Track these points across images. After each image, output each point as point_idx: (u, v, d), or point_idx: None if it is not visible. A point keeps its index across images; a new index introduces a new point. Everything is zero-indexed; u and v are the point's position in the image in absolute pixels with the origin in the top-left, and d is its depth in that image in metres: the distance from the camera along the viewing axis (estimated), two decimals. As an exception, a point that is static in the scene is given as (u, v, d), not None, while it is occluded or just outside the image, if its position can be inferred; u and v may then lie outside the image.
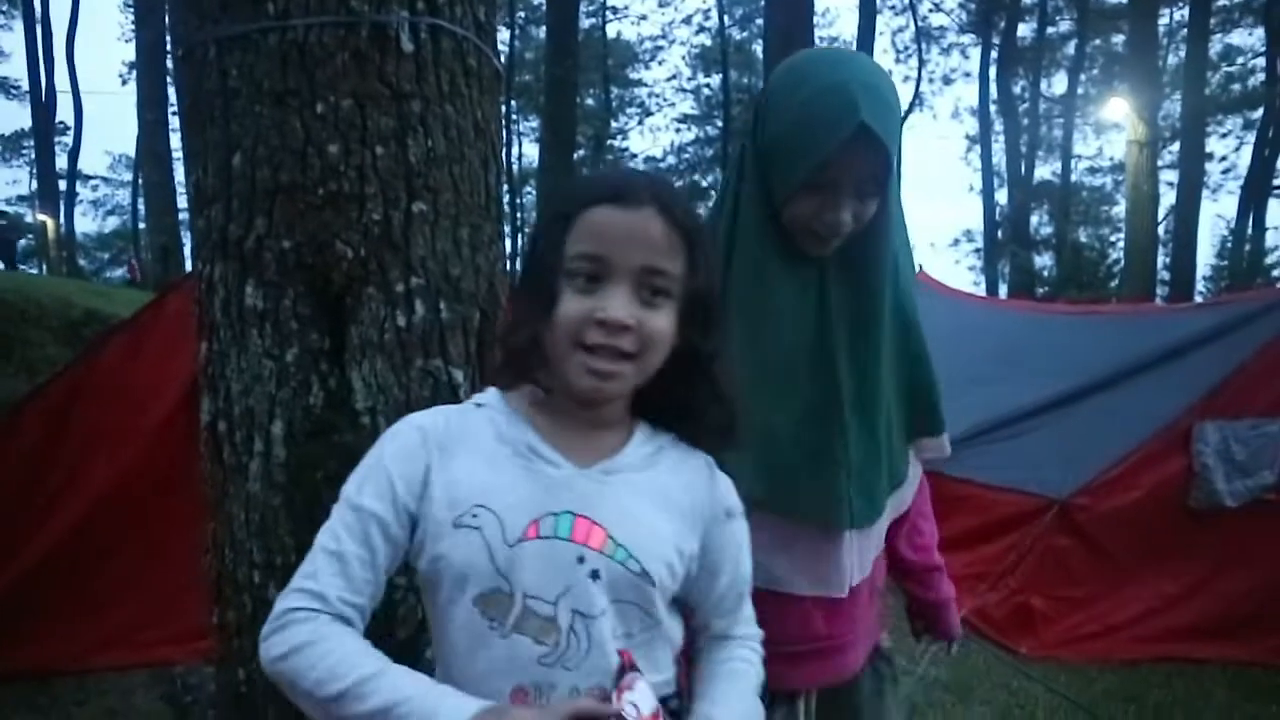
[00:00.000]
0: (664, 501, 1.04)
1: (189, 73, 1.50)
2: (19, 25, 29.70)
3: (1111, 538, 4.13)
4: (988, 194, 29.98)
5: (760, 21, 24.25)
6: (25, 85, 30.26)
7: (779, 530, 1.29)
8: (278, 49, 1.39)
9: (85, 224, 37.94)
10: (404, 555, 1.01)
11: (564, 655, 0.96)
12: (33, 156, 32.70)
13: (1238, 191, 26.62)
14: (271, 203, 1.41)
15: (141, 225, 29.38)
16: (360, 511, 0.98)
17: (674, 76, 37.04)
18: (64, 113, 31.63)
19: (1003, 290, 27.16)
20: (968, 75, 32.43)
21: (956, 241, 36.55)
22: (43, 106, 29.44)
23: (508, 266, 1.77)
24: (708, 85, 36.03)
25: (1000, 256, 29.01)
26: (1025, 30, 29.47)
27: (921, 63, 30.71)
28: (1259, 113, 25.41)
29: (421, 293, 1.45)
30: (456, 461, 1.00)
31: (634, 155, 36.78)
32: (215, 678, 1.61)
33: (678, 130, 36.93)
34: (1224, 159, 28.97)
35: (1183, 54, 21.13)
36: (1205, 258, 22.14)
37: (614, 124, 35.24)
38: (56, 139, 31.63)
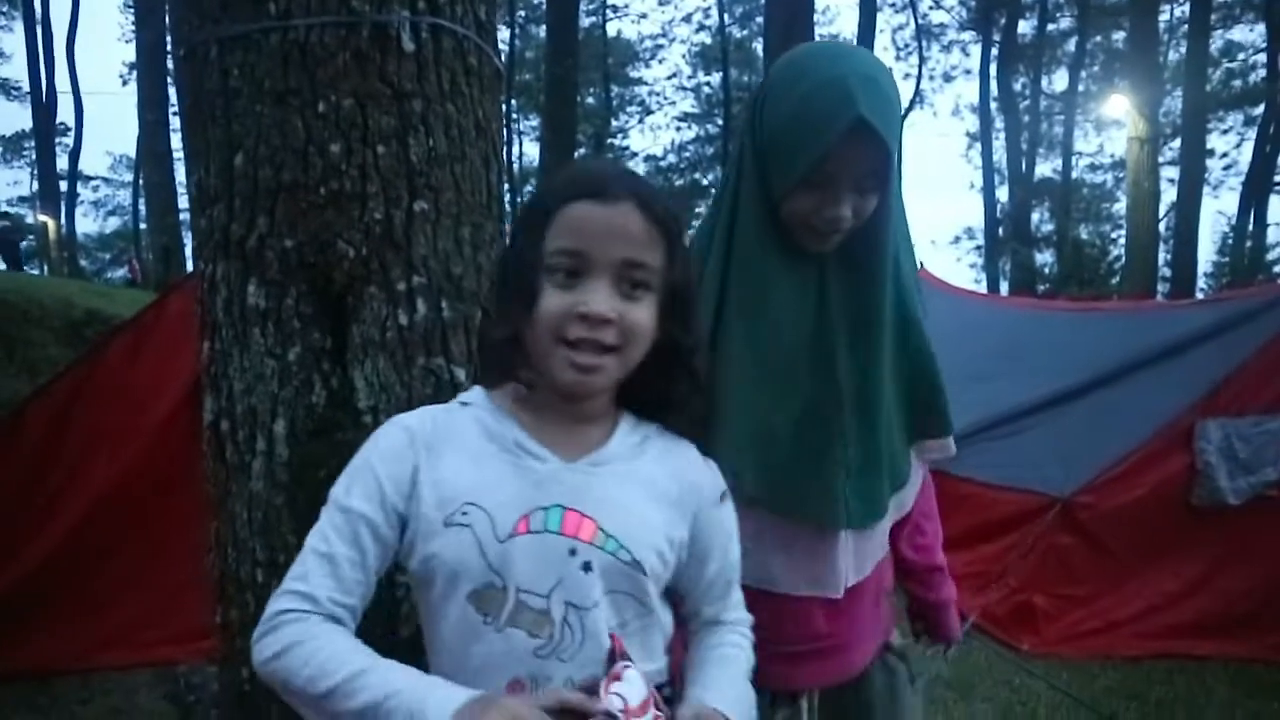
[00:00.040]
0: (652, 490, 1.05)
1: (190, 72, 1.50)
2: (19, 26, 29.75)
3: (1113, 536, 4.14)
4: (989, 191, 29.97)
5: (760, 19, 24.25)
6: (26, 86, 30.32)
7: (775, 529, 1.29)
8: (279, 49, 1.39)
9: (86, 225, 38.03)
10: (394, 555, 1.01)
11: (559, 647, 0.97)
12: (33, 157, 32.73)
13: (1239, 188, 26.64)
14: (273, 202, 1.41)
15: (142, 226, 29.40)
16: (349, 513, 0.99)
17: (674, 75, 37.02)
18: (64, 113, 31.70)
19: (1004, 287, 27.18)
20: (968, 72, 32.42)
21: (957, 239, 36.59)
22: (43, 107, 29.46)
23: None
24: (708, 83, 36.04)
25: (1001, 254, 29.02)
26: (1026, 27, 29.47)
27: (922, 60, 30.67)
28: (1260, 109, 25.44)
29: (423, 291, 1.45)
30: (444, 461, 1.01)
31: (634, 154, 36.77)
32: (218, 676, 1.61)
33: (678, 129, 36.94)
34: (1225, 155, 29.00)
35: (1183, 50, 21.10)
36: (1206, 254, 22.22)
37: (614, 122, 35.23)
38: (57, 140, 31.67)
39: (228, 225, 1.45)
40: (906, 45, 31.21)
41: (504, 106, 1.80)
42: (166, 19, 18.24)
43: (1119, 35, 26.83)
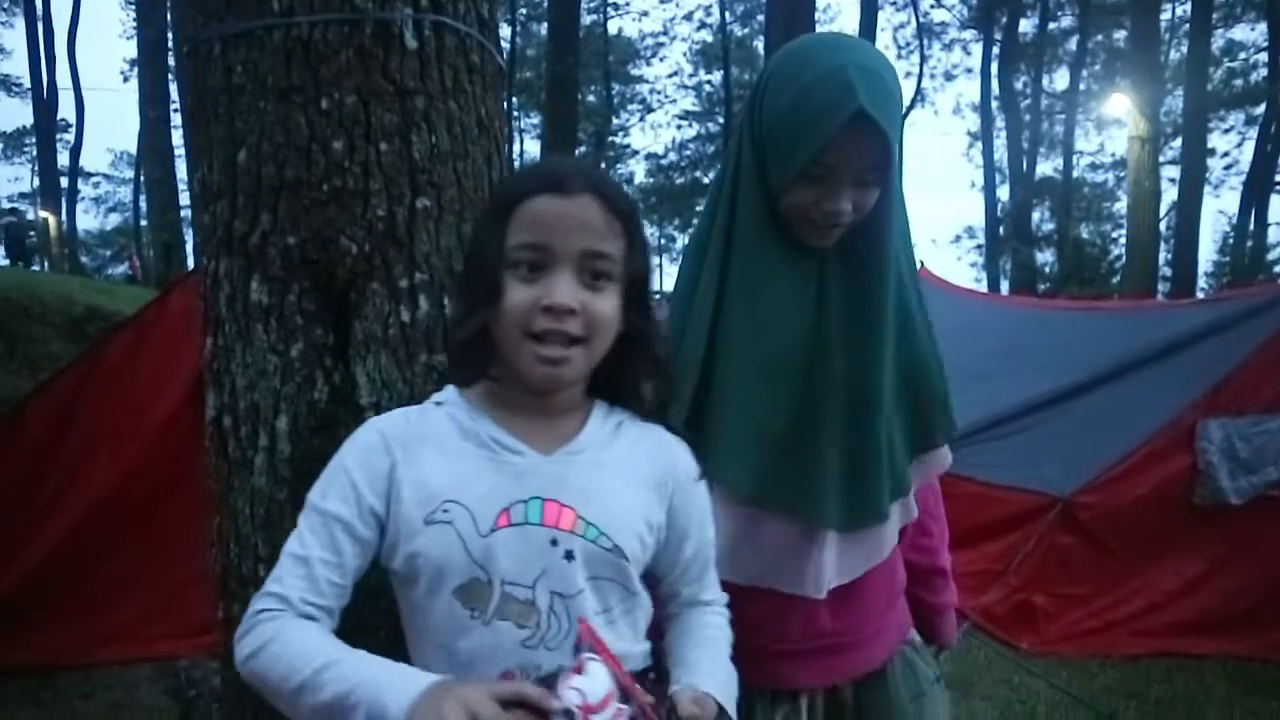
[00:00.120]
0: (629, 475, 1.07)
1: (194, 69, 1.50)
2: (20, 22, 29.75)
3: (1114, 535, 4.14)
4: (989, 190, 29.97)
5: (761, 17, 24.24)
6: (27, 82, 30.30)
7: (765, 526, 1.27)
8: (282, 46, 1.40)
9: (87, 221, 38.05)
10: (373, 556, 1.02)
11: (546, 636, 0.98)
12: (34, 154, 32.75)
13: (1240, 187, 26.65)
14: (276, 199, 1.41)
15: (143, 222, 29.40)
16: (325, 515, 1.00)
17: (675, 73, 37.12)
18: (65, 110, 31.68)
19: (1004, 286, 27.18)
20: (969, 71, 32.45)
21: (958, 238, 36.64)
22: (44, 104, 29.46)
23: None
24: (709, 82, 36.08)
25: (1002, 253, 29.01)
26: (1027, 26, 29.45)
27: (923, 58, 30.68)
28: (1261, 108, 25.42)
29: (425, 288, 1.45)
30: (422, 460, 1.02)
31: (635, 152, 36.83)
32: (220, 671, 1.62)
33: (679, 127, 37.01)
34: (1226, 155, 29.04)
35: (1185, 49, 21.10)
36: (1207, 254, 22.23)
37: (615, 120, 35.25)
38: (58, 136, 31.67)
39: (230, 222, 1.45)
40: (908, 44, 31.25)
41: (505, 104, 1.81)
42: (168, 15, 18.28)
43: (1120, 34, 26.82)
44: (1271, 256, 21.60)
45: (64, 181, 32.90)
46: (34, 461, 3.45)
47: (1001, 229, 29.65)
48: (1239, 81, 27.89)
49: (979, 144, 31.55)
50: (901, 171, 1.27)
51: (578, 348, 1.01)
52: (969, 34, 31.61)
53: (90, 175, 37.84)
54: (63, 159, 32.98)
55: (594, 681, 0.90)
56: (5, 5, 30.56)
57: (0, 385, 5.50)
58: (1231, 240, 24.36)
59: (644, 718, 0.92)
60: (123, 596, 3.46)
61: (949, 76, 33.54)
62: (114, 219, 38.94)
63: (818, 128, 1.13)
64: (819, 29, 17.22)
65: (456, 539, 0.97)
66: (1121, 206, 26.13)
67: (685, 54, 36.70)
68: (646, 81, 37.02)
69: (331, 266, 1.43)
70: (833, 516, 1.26)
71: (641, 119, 36.99)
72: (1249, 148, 26.79)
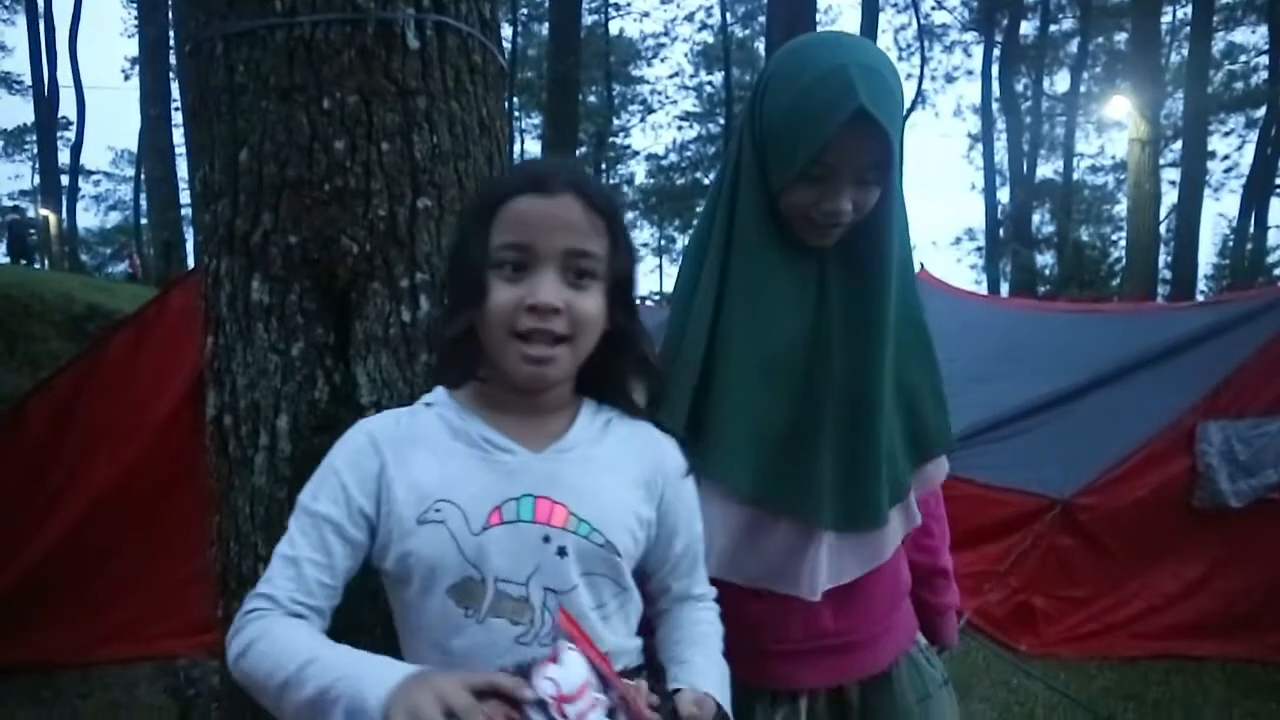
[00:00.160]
0: (620, 472, 1.08)
1: (196, 68, 1.50)
2: (22, 20, 29.74)
3: (1114, 537, 4.15)
4: (990, 192, 29.98)
5: (763, 19, 24.24)
6: (28, 80, 30.31)
7: (762, 526, 1.27)
8: (284, 45, 1.40)
9: (87, 219, 38.06)
10: (364, 556, 1.02)
11: (540, 633, 0.98)
12: (35, 151, 32.76)
13: (1240, 190, 26.65)
14: (278, 198, 1.42)
15: (143, 220, 29.40)
16: (315, 516, 1.00)
17: (676, 74, 37.14)
18: (66, 108, 31.69)
19: (1004, 289, 27.18)
20: (970, 73, 32.49)
21: (958, 240, 36.66)
22: (45, 101, 29.47)
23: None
24: (710, 82, 36.10)
25: (1002, 255, 29.01)
26: (1028, 28, 29.48)
27: (924, 60, 30.65)
28: (1262, 111, 25.43)
29: (426, 288, 1.46)
30: (413, 461, 1.02)
31: (636, 152, 36.84)
32: (219, 670, 1.62)
33: (680, 128, 37.03)
34: (1226, 157, 29.05)
35: (1185, 52, 21.14)
36: (1207, 256, 22.20)
37: (616, 121, 35.26)
38: (59, 134, 31.67)
39: (232, 221, 1.45)
40: (909, 45, 31.24)
41: (506, 104, 1.81)
42: (170, 14, 18.28)
43: (1121, 37, 26.85)
44: (1271, 259, 21.62)
45: (64, 179, 32.89)
46: (34, 460, 3.45)
47: (1002, 231, 29.66)
48: (1239, 84, 27.91)
49: (979, 146, 31.58)
50: (902, 171, 1.26)
51: (563, 346, 1.01)
52: (970, 36, 31.63)
53: (91, 173, 37.89)
54: (63, 157, 33.02)
55: (569, 671, 0.88)
56: (7, 3, 30.56)
57: (0, 383, 5.50)
58: (1231, 243, 24.36)
59: (623, 706, 0.90)
60: (122, 595, 3.46)
61: (950, 78, 33.60)
62: (114, 217, 39.01)
63: (818, 127, 1.12)
64: (820, 30, 17.23)
65: (449, 538, 0.98)
66: (1122, 209, 26.16)
67: (686, 55, 36.75)
68: (647, 82, 37.07)
69: (333, 266, 1.43)
70: (829, 516, 1.25)
71: (642, 120, 37.04)
72: (1249, 151, 26.84)
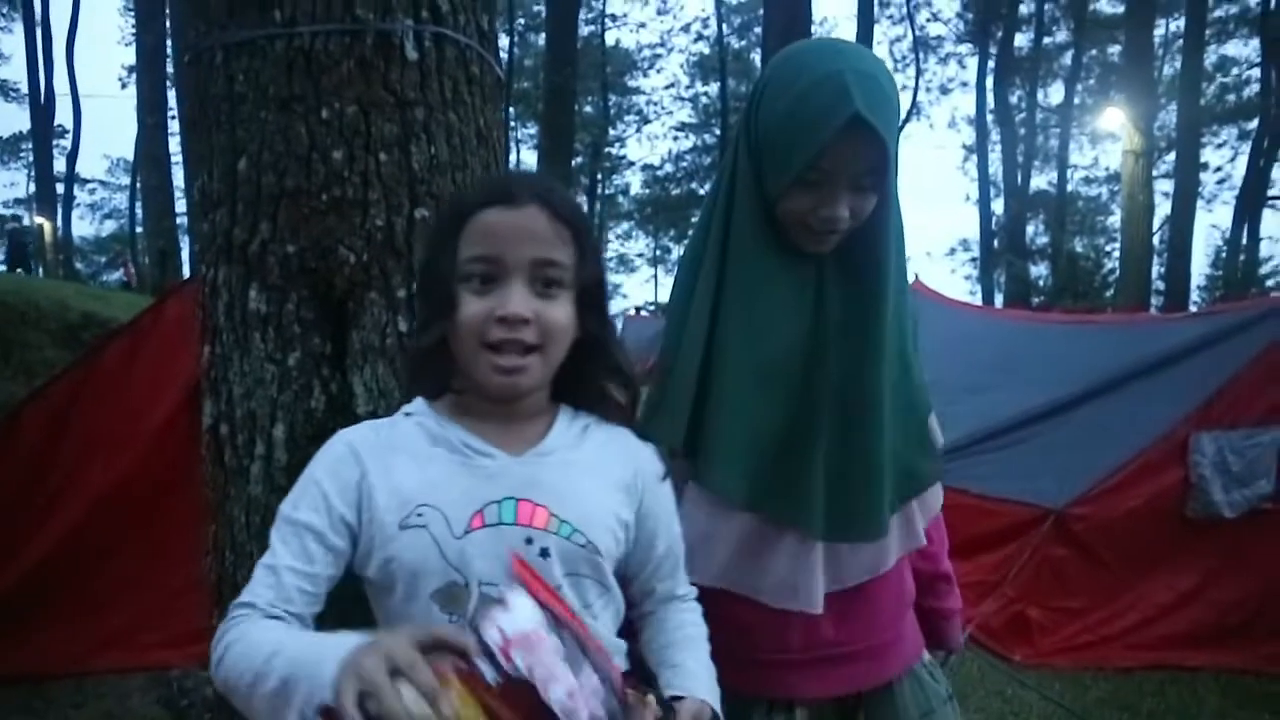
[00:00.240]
0: (600, 475, 1.09)
1: (195, 78, 1.51)
2: (19, 28, 29.74)
3: (1108, 548, 4.15)
4: (984, 203, 30.03)
5: (759, 30, 24.34)
6: (24, 88, 30.31)
7: (761, 536, 1.26)
8: (284, 55, 1.41)
9: (82, 227, 37.97)
10: (346, 563, 1.03)
11: None
12: (31, 159, 32.72)
13: (1232, 202, 26.71)
14: (276, 207, 1.42)
15: (139, 229, 29.36)
16: (295, 525, 1.01)
17: (672, 84, 37.21)
18: (63, 116, 31.66)
19: (999, 299, 27.16)
20: (965, 85, 32.56)
21: (953, 250, 36.62)
22: (42, 109, 29.44)
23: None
24: (706, 93, 36.19)
25: (996, 266, 29.03)
26: (1022, 40, 29.60)
27: (919, 72, 30.82)
28: (1254, 123, 25.56)
29: (423, 298, 1.46)
30: (394, 468, 1.03)
31: (632, 163, 36.90)
32: (212, 681, 1.61)
33: (675, 138, 37.11)
34: (1219, 169, 29.22)
35: (1178, 64, 21.26)
36: (1200, 267, 22.32)
37: (612, 131, 35.33)
38: (55, 142, 31.63)
39: (230, 230, 1.46)
40: (904, 57, 31.34)
41: (503, 114, 1.82)
42: (168, 23, 18.29)
43: (1114, 49, 26.97)
44: (1264, 270, 21.69)
45: (60, 187, 32.84)
46: (28, 468, 3.44)
47: (996, 242, 29.68)
48: (1231, 97, 28.08)
49: (974, 157, 31.62)
50: (898, 176, 1.26)
51: (534, 356, 1.03)
52: (964, 48, 31.76)
53: (86, 181, 37.80)
54: (59, 165, 32.95)
55: (516, 615, 0.85)
56: (4, 10, 30.57)
57: (-6, 391, 5.48)
58: (1224, 254, 24.43)
59: (579, 646, 0.88)
60: (116, 605, 3.44)
61: (944, 90, 33.69)
62: (109, 225, 38.89)
63: (814, 133, 1.12)
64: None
65: (431, 542, 0.98)
66: (1115, 220, 26.26)
67: (682, 66, 36.83)
68: (643, 93, 37.13)
69: (330, 276, 1.44)
70: (822, 525, 1.24)
71: (638, 130, 37.12)
72: (1241, 162, 26.98)
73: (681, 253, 1.47)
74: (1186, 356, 4.32)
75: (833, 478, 1.24)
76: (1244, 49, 26.97)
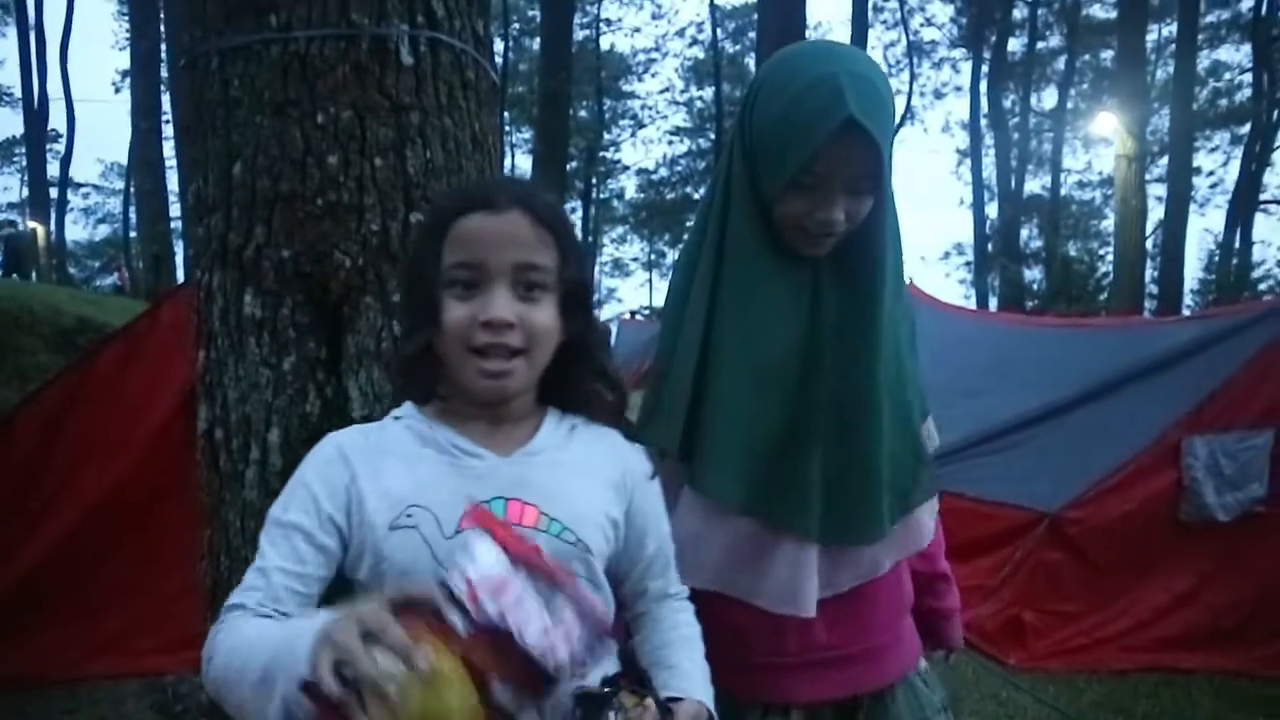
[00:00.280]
0: (588, 473, 1.10)
1: (191, 83, 1.51)
2: (12, 32, 29.66)
3: (1102, 551, 4.15)
4: (978, 207, 30.15)
5: (753, 35, 24.40)
6: (18, 92, 30.24)
7: (758, 540, 1.25)
8: (279, 60, 1.41)
9: (76, 232, 37.88)
10: (337, 565, 1.02)
11: None
12: (24, 163, 32.65)
13: (1225, 206, 26.86)
14: (271, 212, 1.43)
15: (133, 234, 29.31)
16: (285, 526, 1.01)
17: (667, 89, 37.30)
18: (56, 120, 31.62)
19: (993, 303, 27.26)
20: (959, 89, 32.74)
21: (947, 254, 36.74)
22: (35, 114, 29.40)
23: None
24: (700, 98, 36.26)
25: (990, 269, 29.13)
26: (1016, 45, 29.74)
27: (913, 77, 30.95)
28: (1246, 128, 25.69)
29: (418, 303, 1.46)
30: (383, 471, 1.03)
31: (626, 167, 36.97)
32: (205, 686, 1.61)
33: (670, 143, 37.19)
34: (1211, 174, 29.27)
35: (1171, 69, 21.34)
36: (1193, 271, 22.38)
37: (606, 136, 35.37)
38: (48, 146, 31.57)
39: (225, 234, 1.46)
40: (898, 62, 31.45)
41: (498, 119, 1.82)
42: (162, 28, 18.28)
43: (1107, 54, 27.10)
44: (1256, 274, 21.79)
45: (53, 192, 32.77)
46: (22, 473, 3.42)
47: (990, 246, 29.78)
48: (1224, 101, 28.20)
49: (968, 161, 31.77)
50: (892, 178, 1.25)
51: (519, 359, 1.03)
52: (958, 53, 31.89)
53: (80, 186, 37.72)
54: (52, 169, 32.90)
55: (480, 561, 0.83)
56: (-2, 15, 30.52)
57: (-12, 396, 5.46)
58: (1217, 258, 24.56)
59: (554, 584, 0.86)
60: (110, 610, 3.43)
61: (939, 94, 33.85)
62: (103, 230, 38.81)
63: (808, 136, 1.12)
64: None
65: (422, 543, 0.98)
66: (1109, 224, 26.32)
67: (677, 70, 36.96)
68: (638, 97, 37.23)
69: (325, 280, 1.44)
70: (817, 528, 1.23)
71: (633, 134, 37.17)
72: (1234, 167, 27.09)
73: (676, 257, 1.48)
74: (1180, 360, 4.33)
75: (830, 481, 1.24)
76: (1236, 54, 27.15)
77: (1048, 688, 3.82)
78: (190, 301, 1.60)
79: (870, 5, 26.16)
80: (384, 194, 1.44)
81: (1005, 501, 4.25)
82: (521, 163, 33.33)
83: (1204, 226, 29.28)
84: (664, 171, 37.16)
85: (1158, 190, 21.47)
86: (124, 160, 31.98)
